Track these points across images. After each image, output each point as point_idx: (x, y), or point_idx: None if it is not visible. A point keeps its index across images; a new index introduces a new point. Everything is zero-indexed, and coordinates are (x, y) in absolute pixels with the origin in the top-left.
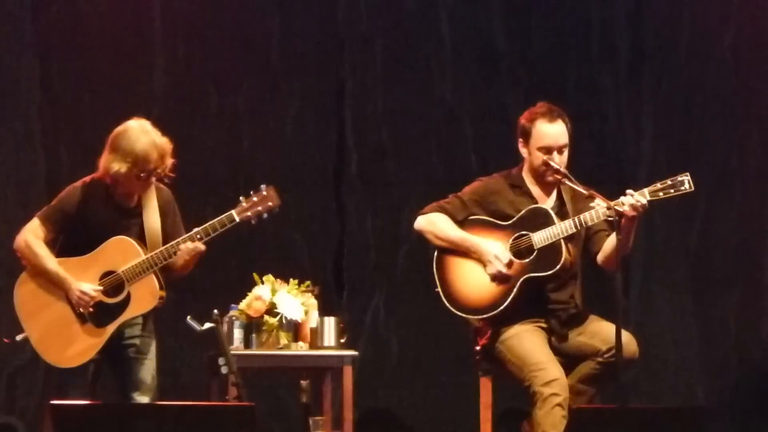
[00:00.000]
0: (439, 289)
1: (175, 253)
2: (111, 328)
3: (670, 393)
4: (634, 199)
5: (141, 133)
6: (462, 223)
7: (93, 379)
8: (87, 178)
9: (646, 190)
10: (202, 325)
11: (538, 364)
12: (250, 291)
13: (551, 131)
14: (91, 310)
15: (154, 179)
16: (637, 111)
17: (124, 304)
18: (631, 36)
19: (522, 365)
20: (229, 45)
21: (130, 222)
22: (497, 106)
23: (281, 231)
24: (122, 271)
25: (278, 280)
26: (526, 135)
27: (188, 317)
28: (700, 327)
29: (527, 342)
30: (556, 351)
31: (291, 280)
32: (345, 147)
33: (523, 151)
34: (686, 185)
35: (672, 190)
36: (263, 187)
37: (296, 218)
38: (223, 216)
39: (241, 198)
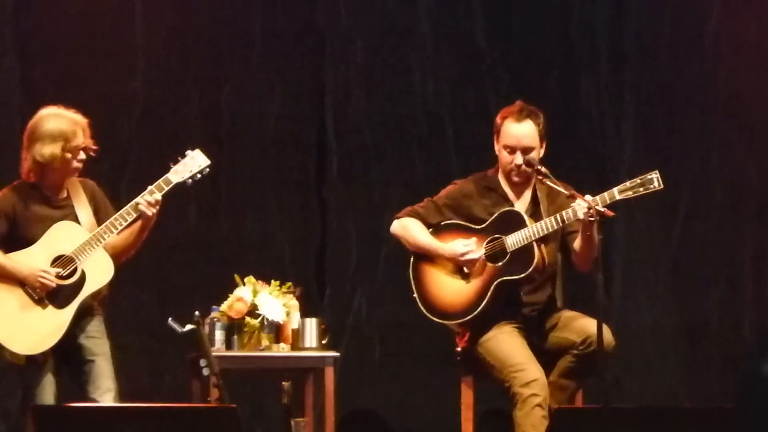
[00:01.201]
0: (416, 295)
1: (116, 226)
2: (73, 307)
3: (652, 392)
4: (591, 203)
5: (57, 114)
6: (437, 228)
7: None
8: (13, 183)
9: (615, 189)
10: (184, 327)
11: (517, 365)
12: (231, 292)
13: (515, 131)
14: (53, 285)
15: (82, 156)
16: (617, 110)
17: (81, 282)
18: (612, 36)
19: (501, 367)
20: (210, 46)
21: (63, 213)
22: (478, 106)
23: (263, 232)
24: (72, 252)
25: (260, 281)
26: (497, 133)
27: (169, 319)
28: (681, 325)
29: (505, 343)
30: (537, 350)
31: (272, 281)
32: (326, 147)
33: (496, 147)
34: (655, 183)
35: (641, 189)
36: (189, 150)
37: (278, 219)
38: (159, 180)
39: (171, 163)
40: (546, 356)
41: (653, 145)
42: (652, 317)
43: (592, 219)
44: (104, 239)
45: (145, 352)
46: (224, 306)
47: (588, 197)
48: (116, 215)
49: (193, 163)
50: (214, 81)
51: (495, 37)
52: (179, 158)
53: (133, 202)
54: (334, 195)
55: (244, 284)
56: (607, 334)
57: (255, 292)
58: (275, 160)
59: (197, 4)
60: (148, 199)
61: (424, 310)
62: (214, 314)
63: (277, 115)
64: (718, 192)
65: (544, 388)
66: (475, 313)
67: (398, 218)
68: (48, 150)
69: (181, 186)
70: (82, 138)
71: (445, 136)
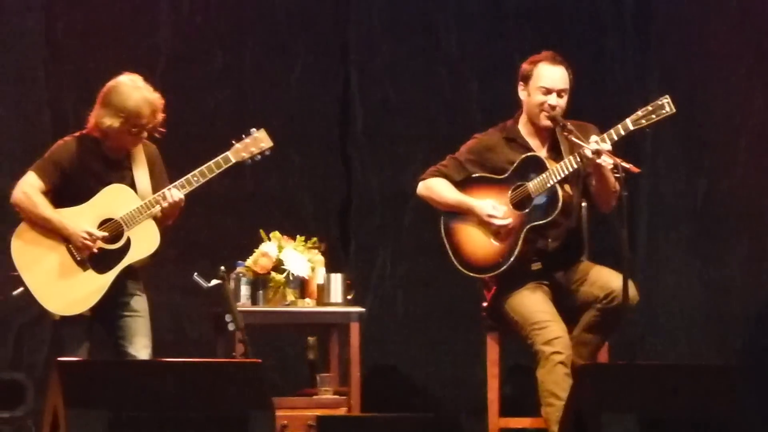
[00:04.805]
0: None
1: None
2: (113, 274)
3: (676, 350)
4: (597, 146)
5: (133, 88)
6: (461, 184)
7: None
8: (77, 133)
9: (628, 120)
10: (209, 282)
11: (539, 323)
12: (256, 248)
13: (552, 73)
14: (95, 250)
15: (145, 134)
16: (642, 67)
17: (125, 249)
18: None
19: (524, 324)
20: (233, 2)
21: (120, 174)
22: (503, 62)
23: (287, 188)
24: (121, 217)
25: (285, 236)
26: (527, 77)
27: (195, 274)
28: (706, 283)
29: (529, 300)
30: (562, 306)
31: (297, 236)
32: (350, 103)
33: (522, 94)
34: (667, 108)
35: (654, 116)
36: (253, 130)
37: (302, 175)
38: (218, 158)
39: (233, 141)
40: (572, 312)
41: (677, 102)
42: (676, 274)
43: (601, 163)
44: (153, 209)
45: (171, 307)
46: (249, 261)
47: (594, 138)
48: (168, 188)
49: (256, 143)
50: (237, 36)
51: None
52: (243, 136)
53: (190, 174)
54: (358, 151)
55: (269, 239)
56: (631, 289)
57: (280, 248)
58: (299, 116)
59: None
60: (172, 199)
61: (460, 267)
62: (239, 269)
63: (300, 71)
64: (742, 149)
65: (566, 345)
66: (510, 261)
67: (423, 179)
68: (108, 121)
69: (240, 165)
70: (147, 118)
71: (469, 91)
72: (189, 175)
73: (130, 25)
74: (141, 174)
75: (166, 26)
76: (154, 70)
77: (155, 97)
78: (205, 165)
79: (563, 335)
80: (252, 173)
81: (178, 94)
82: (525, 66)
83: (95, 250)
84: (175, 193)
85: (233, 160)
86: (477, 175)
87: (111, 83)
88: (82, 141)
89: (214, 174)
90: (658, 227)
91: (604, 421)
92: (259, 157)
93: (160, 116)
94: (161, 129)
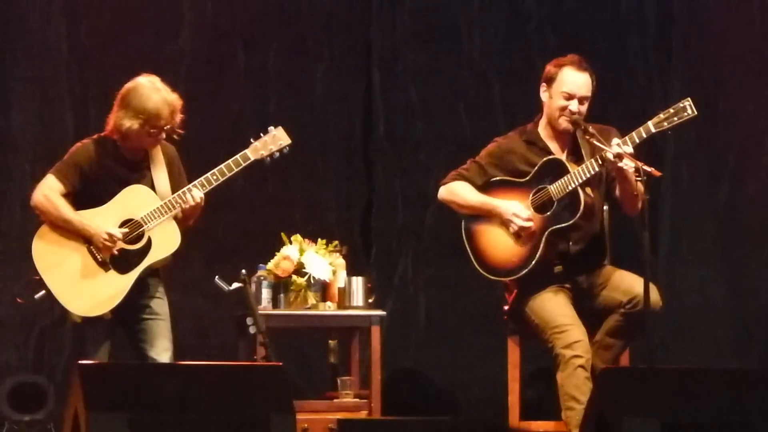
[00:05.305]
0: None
1: (187, 197)
2: (135, 274)
3: (698, 353)
4: (619, 149)
5: (152, 90)
6: (483, 187)
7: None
8: (95, 136)
9: (650, 123)
10: (230, 285)
11: (560, 326)
12: (278, 251)
13: (577, 79)
14: (116, 252)
15: (164, 135)
16: (665, 71)
17: (146, 250)
18: None
19: (545, 327)
20: (257, 3)
21: (139, 175)
22: (525, 66)
23: (309, 191)
24: (141, 217)
25: (306, 240)
26: (550, 80)
27: (216, 277)
28: (728, 286)
29: (550, 304)
30: (585, 310)
31: (319, 239)
32: (373, 107)
33: (544, 95)
34: (689, 110)
35: (675, 118)
36: (271, 127)
37: (324, 178)
38: (237, 156)
39: (251, 139)
40: (594, 316)
41: (700, 105)
42: (699, 278)
43: (623, 167)
44: (174, 209)
45: (192, 310)
46: (271, 264)
47: (615, 141)
48: (187, 187)
49: (274, 140)
50: (261, 39)
51: None
52: (261, 134)
53: (210, 173)
54: (380, 155)
55: (290, 243)
56: (654, 294)
57: (302, 251)
58: (322, 119)
59: None
60: (191, 198)
61: (481, 270)
62: (260, 272)
63: (323, 74)
64: (765, 153)
65: (587, 349)
66: (532, 265)
67: (444, 184)
68: (127, 123)
69: (259, 163)
70: (167, 119)
71: (492, 95)
72: (208, 174)
73: (153, 28)
74: (160, 175)
75: (189, 29)
76: (177, 72)
77: (174, 98)
78: (224, 163)
79: (584, 339)
80: (274, 176)
81: (202, 97)
82: (550, 68)
83: (116, 251)
84: (195, 192)
85: (252, 158)
86: (498, 178)
87: (129, 85)
88: (101, 143)
89: (234, 172)
90: (680, 231)
91: (625, 424)
92: (278, 154)
93: (179, 117)
94: (180, 130)
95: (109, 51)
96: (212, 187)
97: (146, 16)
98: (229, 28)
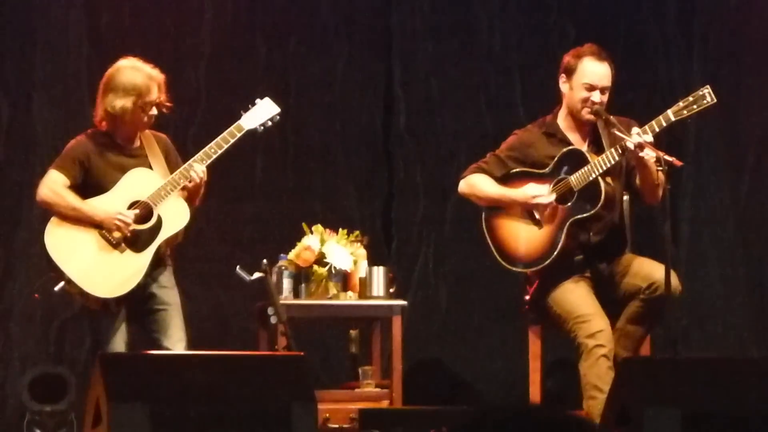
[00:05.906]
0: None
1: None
2: (151, 251)
3: (720, 344)
4: (640, 138)
5: (134, 68)
6: (502, 180)
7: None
8: (87, 131)
9: (669, 111)
10: (252, 275)
11: (582, 316)
12: (299, 241)
13: (597, 69)
14: (128, 233)
15: (155, 111)
16: (685, 64)
17: (157, 227)
18: None
19: (567, 317)
20: None
21: (137, 161)
22: (545, 57)
23: (330, 182)
24: (148, 197)
25: (327, 230)
26: (570, 71)
27: (237, 267)
28: (750, 276)
29: (572, 294)
30: (605, 299)
31: (340, 230)
32: (393, 98)
33: (564, 87)
34: (708, 98)
35: (695, 106)
36: (258, 99)
37: (345, 169)
38: (231, 127)
39: (242, 111)
40: (615, 305)
41: (720, 98)
42: (720, 268)
43: (644, 156)
44: (179, 185)
45: (213, 300)
46: (292, 254)
47: (636, 130)
48: (189, 162)
49: (264, 110)
50: (281, 31)
51: None
52: (249, 106)
53: (207, 147)
54: (401, 146)
55: (312, 233)
56: (674, 279)
57: (323, 241)
58: (343, 112)
59: None
60: (195, 174)
61: (502, 261)
62: (281, 263)
63: (344, 66)
64: None
65: (609, 339)
66: (553, 256)
67: (464, 177)
68: (120, 103)
69: (252, 134)
70: (156, 94)
71: (513, 87)
72: (206, 148)
73: (173, 22)
74: (156, 160)
75: (209, 22)
76: (197, 66)
77: (157, 73)
78: (220, 136)
79: (606, 328)
80: (295, 167)
81: (221, 90)
82: (569, 59)
83: (128, 233)
84: (197, 167)
85: (245, 128)
86: (518, 170)
87: (111, 70)
88: (94, 136)
89: (230, 144)
90: (701, 221)
91: (646, 414)
92: (270, 123)
93: (164, 93)
94: (168, 104)
95: (129, 45)
96: (211, 160)
97: (166, 10)
98: (249, 22)
